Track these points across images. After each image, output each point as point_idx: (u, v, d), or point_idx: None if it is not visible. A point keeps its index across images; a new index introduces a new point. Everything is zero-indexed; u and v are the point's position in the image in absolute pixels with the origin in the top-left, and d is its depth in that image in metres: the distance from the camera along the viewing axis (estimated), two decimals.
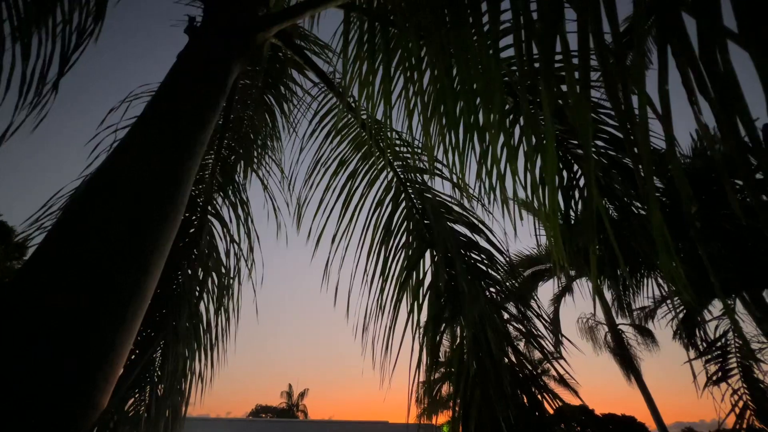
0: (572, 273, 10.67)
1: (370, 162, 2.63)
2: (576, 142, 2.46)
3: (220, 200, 3.37)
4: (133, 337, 0.98)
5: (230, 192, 3.34)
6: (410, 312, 2.52)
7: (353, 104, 2.63)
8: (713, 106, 0.89)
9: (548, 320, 2.41)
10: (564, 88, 1.58)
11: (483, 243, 2.45)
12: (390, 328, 2.57)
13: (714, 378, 5.63)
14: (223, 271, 3.23)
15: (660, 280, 3.55)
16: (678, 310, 6.55)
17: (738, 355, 5.72)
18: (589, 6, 0.97)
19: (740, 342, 5.72)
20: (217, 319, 3.17)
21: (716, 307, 6.60)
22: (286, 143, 3.32)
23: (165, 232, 1.04)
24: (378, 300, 2.63)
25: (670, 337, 7.19)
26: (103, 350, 0.85)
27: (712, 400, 5.62)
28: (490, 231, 2.45)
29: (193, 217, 3.18)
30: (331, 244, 2.64)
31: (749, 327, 6.27)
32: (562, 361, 2.26)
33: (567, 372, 2.17)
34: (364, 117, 2.47)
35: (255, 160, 3.48)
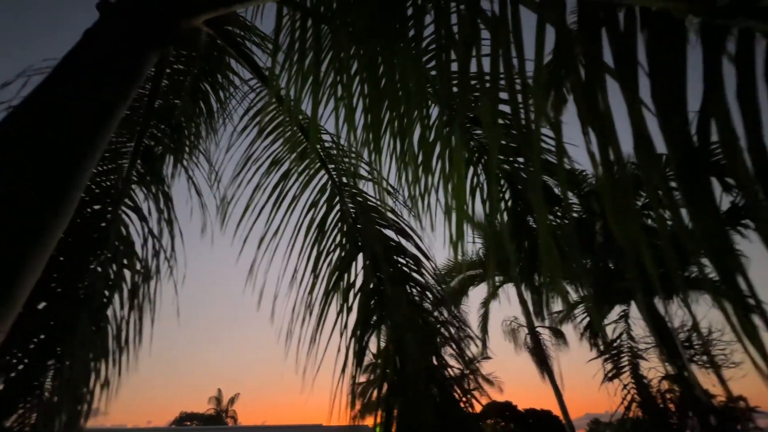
0: (499, 279, 11.41)
1: (305, 163, 2.60)
2: (502, 157, 2.64)
3: (140, 193, 3.09)
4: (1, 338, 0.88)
5: (152, 184, 3.08)
6: (339, 313, 2.52)
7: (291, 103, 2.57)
8: (597, 138, 1.03)
9: (466, 325, 2.55)
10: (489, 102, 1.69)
11: (412, 249, 2.53)
12: (318, 329, 2.55)
13: (609, 375, 6.48)
14: (139, 268, 2.96)
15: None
16: (580, 315, 7.42)
17: (629, 354, 6.63)
18: (500, 37, 1.06)
19: (631, 343, 6.61)
20: (129, 321, 2.90)
21: (616, 311, 7.54)
22: (218, 136, 3.14)
23: (51, 226, 0.94)
24: (307, 301, 2.59)
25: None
26: None
27: (615, 393, 6.48)
28: (419, 237, 2.53)
29: (105, 210, 2.88)
30: (259, 244, 2.55)
31: (640, 330, 7.25)
32: (489, 361, 2.41)
33: (492, 372, 2.33)
34: (301, 117, 2.44)
35: (186, 152, 3.25)
